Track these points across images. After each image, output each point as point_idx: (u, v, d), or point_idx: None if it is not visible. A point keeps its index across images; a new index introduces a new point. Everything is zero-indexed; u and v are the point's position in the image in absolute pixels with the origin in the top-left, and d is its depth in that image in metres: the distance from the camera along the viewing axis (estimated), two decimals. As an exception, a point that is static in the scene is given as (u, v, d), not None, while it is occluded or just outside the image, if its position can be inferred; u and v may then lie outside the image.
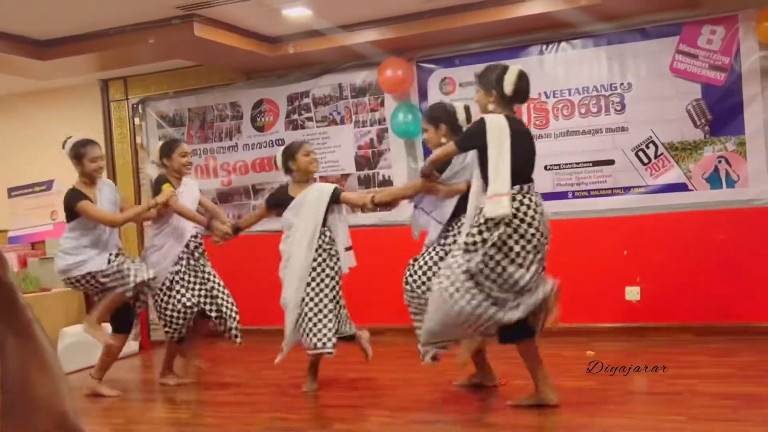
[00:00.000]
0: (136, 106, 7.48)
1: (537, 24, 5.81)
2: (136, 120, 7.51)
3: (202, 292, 5.06)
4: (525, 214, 3.88)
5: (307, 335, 4.64)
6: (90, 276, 4.93)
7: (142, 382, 6.04)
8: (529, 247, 3.87)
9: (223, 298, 5.09)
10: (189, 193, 5.24)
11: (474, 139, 4.00)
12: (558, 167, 5.94)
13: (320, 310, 4.66)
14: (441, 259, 4.29)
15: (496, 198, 3.84)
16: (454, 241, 4.22)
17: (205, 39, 5.70)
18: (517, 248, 3.84)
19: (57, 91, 7.68)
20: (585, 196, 5.93)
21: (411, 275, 4.44)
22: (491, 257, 3.84)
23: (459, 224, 4.30)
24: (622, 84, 5.78)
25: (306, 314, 4.66)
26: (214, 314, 5.07)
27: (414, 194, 4.51)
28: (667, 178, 5.66)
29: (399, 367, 5.33)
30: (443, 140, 4.40)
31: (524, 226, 3.86)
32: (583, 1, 5.37)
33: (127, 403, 5.11)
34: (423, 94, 6.38)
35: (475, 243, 3.86)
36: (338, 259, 4.78)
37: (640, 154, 5.74)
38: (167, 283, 5.02)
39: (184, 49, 6.14)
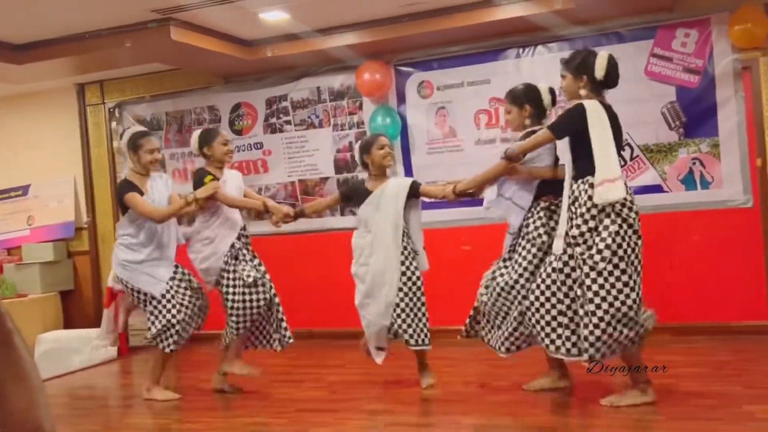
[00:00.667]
0: (113, 110, 7.44)
1: (514, 28, 5.85)
2: (113, 124, 7.47)
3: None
4: (632, 202, 3.86)
5: (412, 333, 4.52)
6: (143, 294, 4.85)
7: (120, 387, 6.00)
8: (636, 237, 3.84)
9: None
10: (232, 183, 4.99)
11: (572, 125, 3.91)
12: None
13: (419, 308, 4.57)
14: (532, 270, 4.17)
15: (607, 183, 3.77)
16: (535, 228, 4.19)
17: (182, 42, 5.68)
18: (624, 245, 3.78)
19: (33, 96, 7.62)
20: (562, 198, 5.96)
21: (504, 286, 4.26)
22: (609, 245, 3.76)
23: (538, 209, 4.24)
24: (598, 87, 5.83)
25: (404, 311, 4.53)
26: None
27: (496, 177, 4.31)
28: (642, 180, 5.71)
29: (381, 369, 5.34)
30: (527, 122, 4.31)
31: (633, 214, 3.83)
32: (558, 5, 5.41)
33: (105, 410, 5.08)
34: (401, 98, 6.40)
35: (582, 234, 3.83)
36: (416, 254, 4.64)
37: (616, 156, 5.79)
38: (230, 277, 4.80)
39: (161, 52, 6.11)
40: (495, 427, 3.84)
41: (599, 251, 3.77)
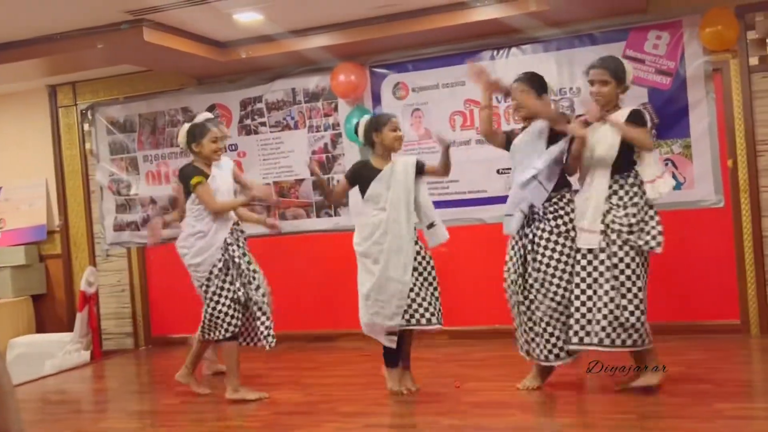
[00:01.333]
0: (85, 112, 7.37)
1: (488, 29, 5.88)
2: (86, 126, 7.40)
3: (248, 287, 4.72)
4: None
5: (423, 312, 4.40)
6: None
7: (94, 392, 5.94)
8: None
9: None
10: (221, 176, 4.83)
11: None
12: (510, 171, 5.99)
13: (435, 287, 4.48)
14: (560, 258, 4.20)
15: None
16: (564, 223, 4.22)
17: (155, 44, 5.64)
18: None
19: (4, 97, 7.55)
20: (537, 199, 5.99)
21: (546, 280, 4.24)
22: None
23: (565, 201, 4.27)
24: (571, 89, 5.88)
25: (419, 294, 4.41)
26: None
27: (547, 115, 4.29)
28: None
29: (358, 371, 5.34)
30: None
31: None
32: (532, 8, 5.45)
33: (78, 414, 5.02)
34: (376, 99, 6.40)
35: (638, 223, 4.08)
36: (433, 226, 4.57)
37: (590, 157, 5.83)
38: (217, 274, 4.64)
39: (134, 54, 6.06)
40: (472, 428, 3.84)
41: (653, 237, 4.08)
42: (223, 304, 4.63)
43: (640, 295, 4.04)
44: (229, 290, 4.64)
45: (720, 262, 5.67)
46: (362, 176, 4.55)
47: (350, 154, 6.43)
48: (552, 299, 4.19)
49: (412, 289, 4.40)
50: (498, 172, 6.04)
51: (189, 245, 4.72)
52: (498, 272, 5.48)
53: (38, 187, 7.58)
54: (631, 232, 4.06)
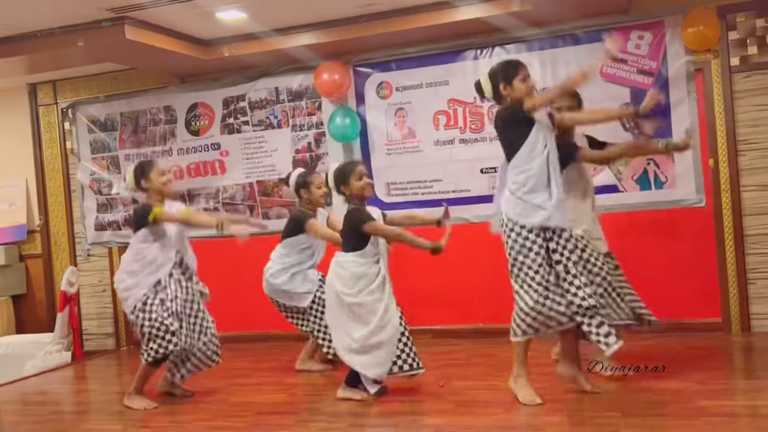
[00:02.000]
0: (66, 111, 7.30)
1: (472, 29, 5.89)
2: (66, 125, 7.34)
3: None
4: None
5: (413, 360, 4.44)
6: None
7: (75, 393, 5.89)
8: None
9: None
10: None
11: None
12: (494, 170, 6.00)
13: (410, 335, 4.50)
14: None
15: None
16: None
17: (137, 42, 5.60)
18: None
19: (-18, 96, 7.46)
20: (520, 199, 6.00)
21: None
22: None
23: None
24: (554, 88, 5.89)
25: (407, 343, 4.42)
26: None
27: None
28: (598, 180, 5.75)
29: (336, 371, 5.32)
30: None
31: None
32: (515, 7, 5.47)
33: (59, 416, 4.97)
34: (360, 98, 6.39)
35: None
36: None
37: (573, 156, 5.85)
38: (141, 308, 4.67)
39: (115, 52, 6.01)
40: (456, 427, 3.85)
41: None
42: (149, 333, 4.61)
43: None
44: (156, 320, 4.61)
45: (701, 260, 5.72)
46: (367, 219, 4.40)
47: (334, 153, 6.42)
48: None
49: (399, 342, 4.39)
50: (481, 171, 6.05)
51: (120, 280, 4.78)
52: (482, 271, 5.51)
53: (18, 186, 7.51)
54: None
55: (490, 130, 6.05)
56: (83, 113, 7.23)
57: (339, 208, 4.91)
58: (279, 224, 6.54)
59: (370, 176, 4.69)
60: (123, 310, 7.14)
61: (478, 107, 6.08)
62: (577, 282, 3.98)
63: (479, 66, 6.07)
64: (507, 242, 4.10)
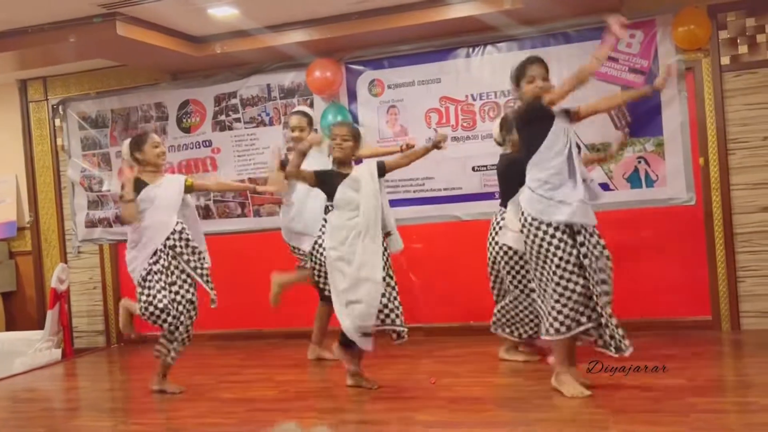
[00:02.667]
0: (57, 107, 7.27)
1: (464, 27, 5.89)
2: (57, 121, 7.31)
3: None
4: None
5: (396, 317, 4.39)
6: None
7: (65, 390, 5.86)
8: None
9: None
10: (170, 187, 4.84)
11: None
12: (485, 168, 6.02)
13: (397, 292, 4.45)
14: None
15: None
16: None
17: (128, 38, 5.58)
18: None
19: (-28, 92, 7.42)
20: (511, 197, 6.02)
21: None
22: None
23: None
24: (546, 86, 5.90)
25: (391, 296, 4.39)
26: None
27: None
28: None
29: (331, 369, 5.32)
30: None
31: None
32: (507, 5, 5.47)
33: (49, 413, 4.95)
34: (352, 96, 6.39)
35: None
36: (389, 235, 4.69)
37: (564, 154, 5.87)
38: (146, 278, 4.74)
39: (107, 48, 5.99)
40: (447, 423, 3.85)
41: None
42: (155, 305, 4.63)
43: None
44: (149, 297, 4.65)
45: (691, 258, 5.74)
46: (328, 179, 4.49)
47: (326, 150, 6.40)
48: None
49: (383, 295, 4.37)
50: (473, 169, 6.06)
51: (127, 254, 4.84)
52: (473, 269, 5.52)
53: (8, 183, 7.47)
54: None
55: (482, 128, 6.06)
56: (74, 110, 7.20)
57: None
58: (270, 222, 6.56)
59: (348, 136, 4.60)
60: (113, 307, 7.17)
61: (470, 105, 6.10)
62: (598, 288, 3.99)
63: (471, 64, 6.09)
64: (527, 242, 4.08)
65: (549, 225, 3.98)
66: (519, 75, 4.12)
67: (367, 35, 5.96)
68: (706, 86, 5.65)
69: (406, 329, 4.43)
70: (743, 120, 5.61)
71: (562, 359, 4.10)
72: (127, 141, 4.94)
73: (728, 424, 3.53)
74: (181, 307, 4.67)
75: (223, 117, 6.77)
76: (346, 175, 4.47)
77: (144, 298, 4.67)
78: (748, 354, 5.10)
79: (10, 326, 7.31)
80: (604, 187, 5.77)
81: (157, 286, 4.65)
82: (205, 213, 6.75)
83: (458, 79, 6.12)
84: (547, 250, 3.98)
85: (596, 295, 3.96)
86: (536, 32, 5.89)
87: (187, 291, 4.71)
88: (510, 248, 4.83)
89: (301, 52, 6.24)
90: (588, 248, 3.99)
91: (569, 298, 3.96)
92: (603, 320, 3.98)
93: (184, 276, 4.73)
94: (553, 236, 3.97)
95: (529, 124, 4.08)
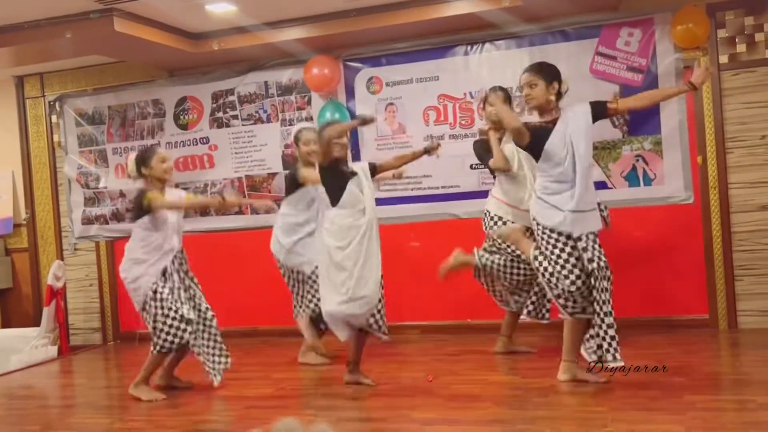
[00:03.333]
0: (53, 104, 7.25)
1: (462, 24, 5.88)
2: (54, 117, 7.28)
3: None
4: None
5: (384, 326, 4.48)
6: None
7: (61, 387, 5.85)
8: None
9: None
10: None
11: None
12: (483, 166, 6.00)
13: (383, 294, 4.50)
14: None
15: None
16: None
17: (126, 34, 5.56)
18: None
19: (-32, 88, 7.40)
20: (509, 194, 6.01)
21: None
22: None
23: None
24: (544, 84, 5.89)
25: (381, 302, 4.45)
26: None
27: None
28: (587, 177, 5.79)
29: (323, 366, 5.31)
30: (551, 98, 4.20)
31: None
32: (505, 2, 5.47)
33: (45, 410, 4.94)
34: (350, 93, 6.37)
35: None
36: None
37: (562, 153, 5.86)
38: (153, 297, 4.69)
39: (104, 44, 5.97)
40: (445, 421, 3.85)
41: None
42: (164, 323, 4.60)
43: None
44: (170, 308, 4.62)
45: (689, 257, 5.74)
46: (339, 175, 4.43)
47: (323, 148, 6.39)
48: None
49: (380, 299, 4.43)
50: (471, 167, 6.05)
51: (126, 269, 4.75)
52: (469, 267, 5.47)
53: (4, 179, 7.45)
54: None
55: (480, 125, 6.04)
56: (71, 106, 7.18)
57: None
58: (267, 219, 6.54)
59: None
60: (109, 304, 7.16)
61: (468, 103, 6.09)
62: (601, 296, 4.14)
63: (469, 62, 6.08)
64: (536, 239, 4.31)
65: (546, 228, 4.20)
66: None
67: (365, 32, 5.95)
68: (705, 85, 5.63)
69: (389, 338, 4.59)
70: (741, 119, 5.60)
71: (569, 347, 4.30)
72: (133, 155, 4.92)
73: (725, 422, 3.53)
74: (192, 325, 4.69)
75: (220, 114, 6.75)
76: (353, 174, 4.46)
77: (161, 311, 4.61)
78: (745, 352, 5.11)
79: (6, 323, 7.29)
80: (602, 185, 5.77)
81: (178, 303, 4.64)
82: (203, 210, 6.73)
83: (456, 77, 6.11)
84: (546, 252, 4.21)
85: (599, 303, 4.14)
86: (535, 29, 5.88)
87: (193, 307, 4.76)
88: (489, 211, 5.10)
89: (299, 49, 6.22)
90: (590, 249, 4.14)
91: (571, 293, 4.18)
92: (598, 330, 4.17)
93: (191, 292, 4.79)
94: (550, 237, 4.18)
95: (534, 132, 4.22)
